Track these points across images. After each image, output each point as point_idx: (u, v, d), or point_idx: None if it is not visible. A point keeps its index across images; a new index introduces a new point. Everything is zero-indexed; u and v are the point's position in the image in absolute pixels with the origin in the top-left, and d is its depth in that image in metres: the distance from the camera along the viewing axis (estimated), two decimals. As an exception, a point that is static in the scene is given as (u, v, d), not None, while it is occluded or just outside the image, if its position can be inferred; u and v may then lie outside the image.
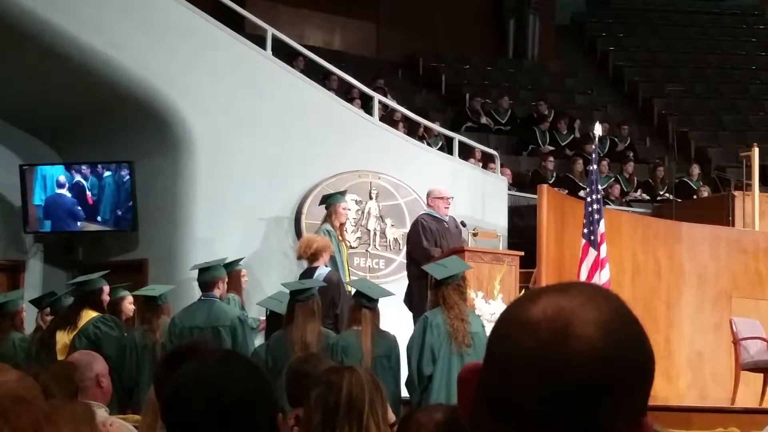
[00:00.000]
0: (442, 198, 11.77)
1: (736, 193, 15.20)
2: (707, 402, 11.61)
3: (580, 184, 17.46)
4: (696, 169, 19.59)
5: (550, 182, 17.09)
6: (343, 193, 12.94)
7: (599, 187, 12.27)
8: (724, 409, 9.98)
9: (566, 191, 16.26)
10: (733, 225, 14.60)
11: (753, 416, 8.46)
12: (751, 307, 12.85)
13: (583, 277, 11.28)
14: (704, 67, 24.37)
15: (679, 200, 17.81)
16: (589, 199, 11.91)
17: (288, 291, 9.18)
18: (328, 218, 12.47)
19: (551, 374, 1.30)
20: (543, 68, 23.97)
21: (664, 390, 12.00)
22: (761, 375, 11.83)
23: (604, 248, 11.63)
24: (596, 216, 11.74)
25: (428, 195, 11.97)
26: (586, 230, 11.69)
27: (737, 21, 26.12)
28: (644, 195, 18.96)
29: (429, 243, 11.44)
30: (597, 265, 11.52)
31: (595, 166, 12.36)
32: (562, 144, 20.24)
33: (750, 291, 13.24)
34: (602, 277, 11.47)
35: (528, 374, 1.31)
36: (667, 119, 22.53)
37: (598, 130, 13.54)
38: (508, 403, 1.32)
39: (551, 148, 19.92)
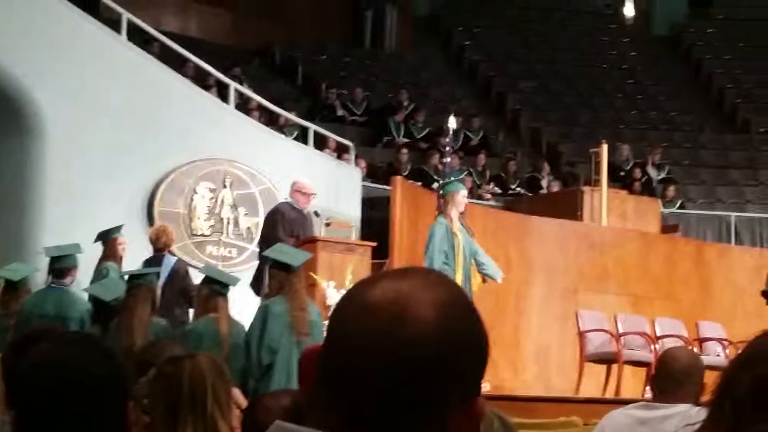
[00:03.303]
0: (304, 193, 11.89)
1: (585, 188, 15.50)
2: (552, 392, 11.86)
3: (434, 176, 17.63)
4: (546, 165, 19.95)
5: (405, 174, 17.22)
6: (461, 181, 12.10)
7: (452, 179, 12.39)
8: (567, 399, 10.21)
9: (420, 183, 16.41)
10: (582, 220, 14.90)
11: (595, 406, 8.67)
12: (596, 301, 13.16)
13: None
14: (558, 63, 24.78)
15: (530, 194, 18.12)
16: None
17: (117, 278, 9.09)
18: (444, 207, 11.36)
19: (389, 355, 1.35)
20: (400, 60, 24.10)
21: (511, 380, 12.23)
22: (605, 366, 12.14)
23: (455, 240, 11.76)
24: (448, 208, 11.85)
25: (292, 186, 12.07)
26: (437, 222, 11.80)
27: (592, 19, 26.63)
28: (496, 188, 19.24)
29: (284, 232, 11.49)
30: (447, 256, 11.64)
31: (448, 159, 12.51)
32: (417, 136, 20.41)
33: (596, 284, 13.54)
34: (454, 269, 11.59)
35: (367, 355, 1.35)
36: (521, 114, 22.90)
37: (452, 123, 13.68)
38: (347, 382, 1.36)
39: (406, 140, 20.07)
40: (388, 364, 1.35)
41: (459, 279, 11.05)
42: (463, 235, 11.23)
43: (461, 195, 11.35)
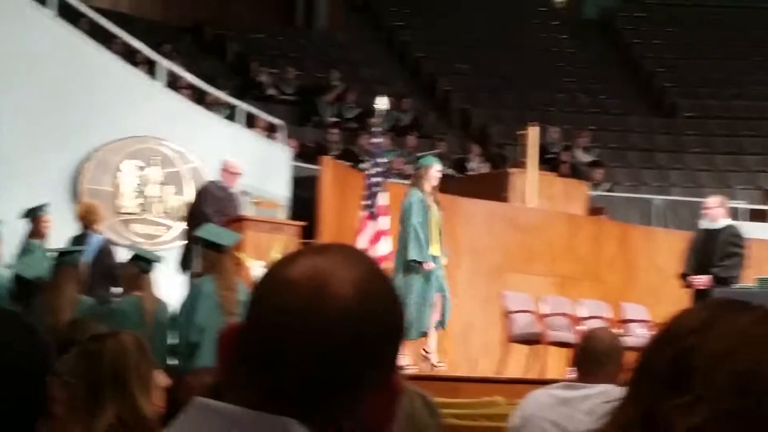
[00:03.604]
0: (230, 172, 11.92)
1: (513, 170, 15.58)
2: (477, 372, 11.95)
3: (364, 157, 17.63)
4: (476, 146, 20.04)
5: (335, 154, 17.22)
6: (436, 155, 12.28)
7: (382, 160, 12.43)
8: (490, 379, 10.30)
9: (350, 164, 16.42)
10: (510, 201, 14.98)
11: (517, 386, 8.74)
12: (522, 282, 13.26)
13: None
14: (489, 45, 24.86)
15: (459, 175, 18.18)
16: (370, 172, 12.07)
17: (40, 256, 9.03)
18: (416, 181, 11.67)
19: (308, 331, 1.36)
20: (331, 40, 24.05)
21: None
22: (529, 347, 12.26)
23: (383, 221, 11.80)
24: (377, 189, 11.90)
25: (222, 165, 12.08)
26: (366, 202, 11.85)
27: (521, 1, 26.71)
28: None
29: (212, 210, 11.46)
30: (376, 237, 11.70)
31: (378, 140, 12.52)
32: (348, 117, 20.40)
33: (522, 266, 13.65)
34: (381, 249, 11.64)
35: (286, 331, 1.37)
36: (451, 96, 22.96)
37: (382, 104, 13.68)
38: (266, 359, 1.38)
39: (336, 120, 20.06)
40: (306, 341, 1.36)
41: (436, 251, 11.32)
42: (435, 209, 11.50)
43: (435, 169, 11.62)
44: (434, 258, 11.32)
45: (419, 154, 11.97)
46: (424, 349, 11.39)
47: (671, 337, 1.61)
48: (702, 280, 11.30)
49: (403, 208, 11.38)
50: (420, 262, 11.20)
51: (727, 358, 1.54)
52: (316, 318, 1.36)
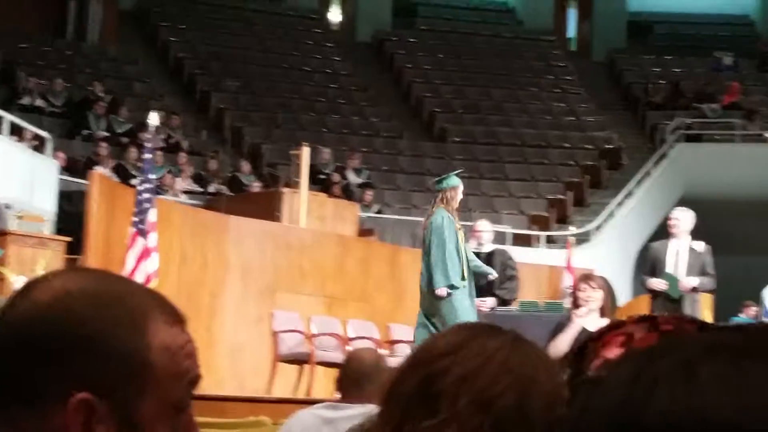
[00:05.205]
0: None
1: (285, 190, 15.63)
2: (246, 392, 11.90)
3: (134, 172, 17.40)
4: (247, 165, 20.03)
5: (104, 169, 16.92)
6: (458, 174, 11.23)
7: (152, 176, 12.28)
8: (258, 399, 10.28)
9: (120, 179, 16.17)
10: (281, 221, 15.01)
11: (285, 406, 8.76)
12: (292, 301, 13.28)
13: (129, 266, 11.24)
14: (264, 65, 24.90)
15: (231, 194, 18.13)
16: (140, 188, 11.90)
17: None
18: (445, 203, 10.69)
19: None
20: (103, 53, 23.66)
21: (204, 380, 12.14)
22: (297, 366, 12.30)
23: (152, 237, 11.65)
24: (147, 205, 11.75)
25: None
26: (135, 219, 11.68)
27: (298, 22, 26.88)
28: (196, 187, 19.16)
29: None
30: (144, 254, 11.54)
31: (149, 155, 12.37)
32: (119, 131, 20.09)
33: (293, 285, 13.68)
34: (149, 267, 11.49)
35: None
36: (224, 114, 22.89)
37: (153, 119, 13.56)
38: None
39: (106, 134, 19.73)
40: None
41: (467, 275, 10.57)
42: (462, 232, 10.86)
43: (461, 190, 10.96)
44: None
45: (439, 177, 11.08)
46: None
47: (421, 360, 1.65)
48: (487, 303, 11.49)
49: (435, 229, 10.57)
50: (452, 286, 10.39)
51: (470, 380, 1.59)
52: (3, 319, 1.34)
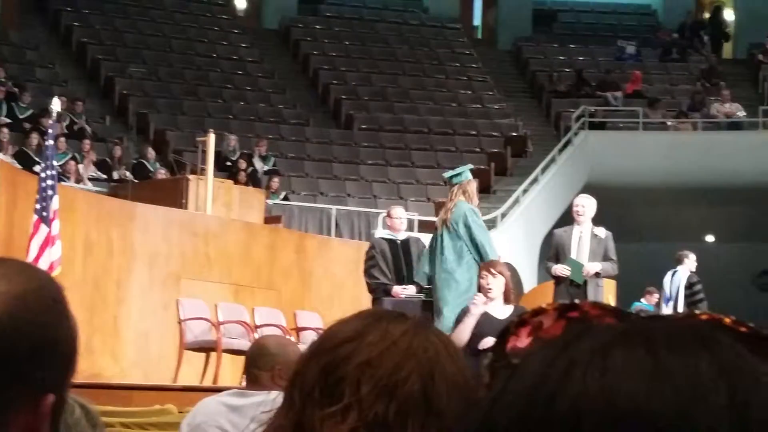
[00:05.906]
0: None
1: (191, 177, 15.53)
2: (151, 380, 11.82)
3: (36, 159, 17.16)
4: (153, 152, 19.87)
5: (6, 156, 16.67)
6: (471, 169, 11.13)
7: (55, 163, 12.13)
8: (163, 387, 10.20)
9: (21, 166, 15.94)
10: (187, 208, 14.91)
11: (191, 394, 8.71)
12: (199, 289, 13.22)
13: (32, 254, 11.11)
14: (169, 51, 24.72)
15: (137, 181, 17.97)
16: (43, 175, 11.75)
17: None
18: (464, 195, 10.62)
19: None
20: (4, 38, 23.29)
21: (110, 368, 12.09)
22: (204, 354, 12.24)
23: (56, 225, 11.52)
24: (50, 192, 11.61)
25: None
26: (38, 206, 11.53)
27: (204, 8, 26.70)
28: (101, 174, 18.96)
29: None
30: (48, 242, 11.40)
31: (51, 142, 12.21)
32: (21, 117, 19.81)
33: (199, 273, 13.61)
34: (53, 254, 11.36)
35: None
36: (128, 100, 22.67)
37: (56, 105, 13.36)
38: None
39: (8, 120, 19.43)
40: None
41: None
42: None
43: (474, 183, 10.94)
44: None
45: (450, 173, 10.92)
46: None
47: (324, 347, 1.66)
48: (408, 290, 11.28)
49: (463, 219, 10.51)
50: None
51: (372, 366, 1.60)
52: None
